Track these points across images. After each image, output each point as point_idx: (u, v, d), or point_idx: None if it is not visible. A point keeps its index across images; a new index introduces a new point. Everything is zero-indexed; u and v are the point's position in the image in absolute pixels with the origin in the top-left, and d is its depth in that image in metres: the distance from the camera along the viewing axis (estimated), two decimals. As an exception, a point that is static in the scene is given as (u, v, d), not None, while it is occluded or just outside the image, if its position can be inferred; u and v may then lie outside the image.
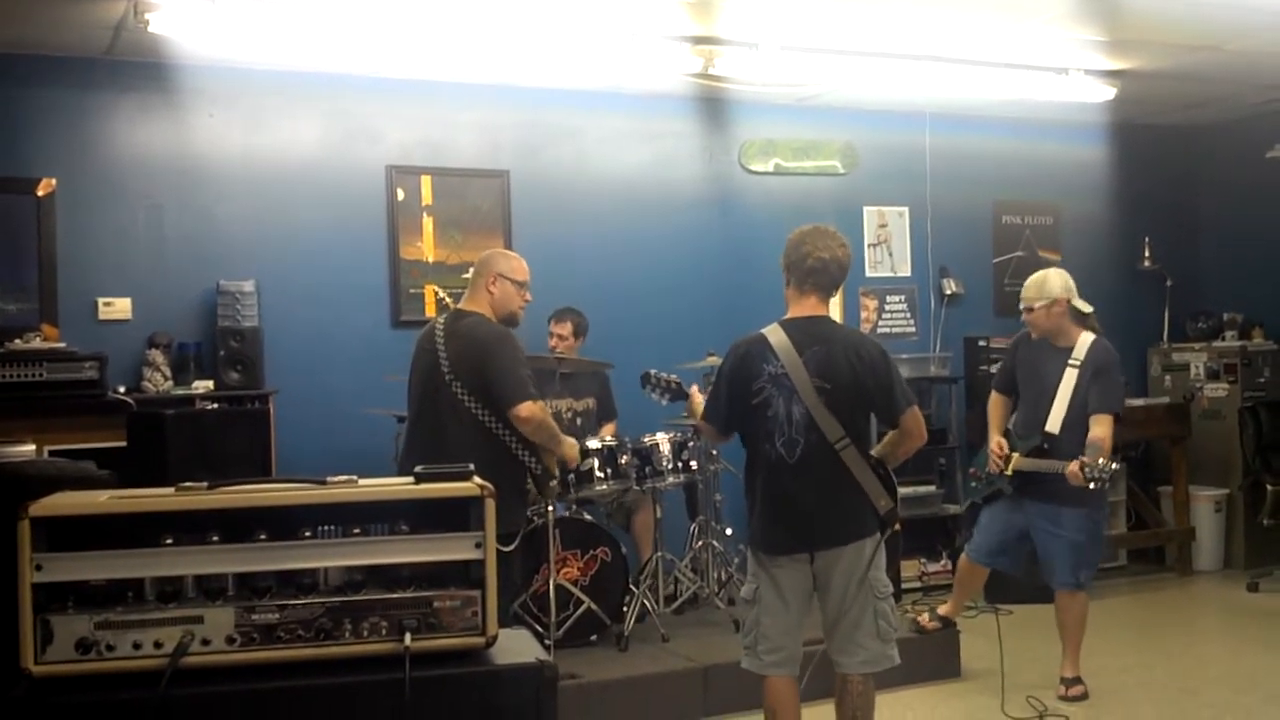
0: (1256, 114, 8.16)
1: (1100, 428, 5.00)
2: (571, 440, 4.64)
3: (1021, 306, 5.38)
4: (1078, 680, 5.27)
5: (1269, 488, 7.41)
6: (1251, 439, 7.60)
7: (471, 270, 4.61)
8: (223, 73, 6.21)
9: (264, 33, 5.56)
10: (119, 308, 6.11)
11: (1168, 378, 8.48)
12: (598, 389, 6.45)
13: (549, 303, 6.53)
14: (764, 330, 3.91)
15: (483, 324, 4.40)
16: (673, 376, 5.40)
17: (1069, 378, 5.15)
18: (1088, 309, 5.26)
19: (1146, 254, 8.54)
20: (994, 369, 7.33)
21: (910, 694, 5.34)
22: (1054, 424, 5.14)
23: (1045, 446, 5.14)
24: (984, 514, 5.48)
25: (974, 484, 5.59)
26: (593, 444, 5.64)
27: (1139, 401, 8.07)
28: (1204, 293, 8.69)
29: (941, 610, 5.76)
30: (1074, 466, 4.89)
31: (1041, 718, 4.99)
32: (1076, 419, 5.09)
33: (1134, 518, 8.04)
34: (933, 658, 5.59)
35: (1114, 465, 4.90)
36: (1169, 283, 8.56)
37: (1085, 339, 5.20)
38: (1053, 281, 5.24)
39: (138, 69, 6.12)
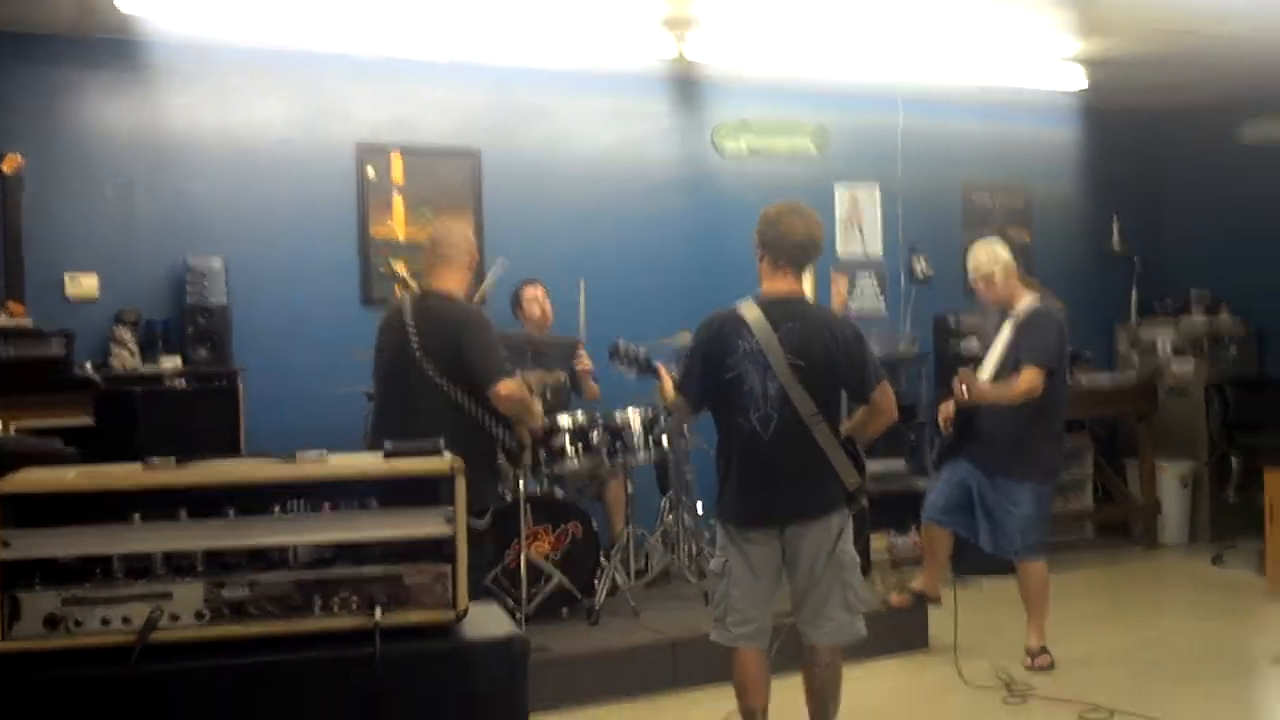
0: (1222, 99, 8.20)
1: (1020, 375, 5.13)
2: (539, 409, 4.61)
3: None
4: (1043, 650, 5.34)
5: (1235, 462, 7.50)
6: (1218, 415, 7.68)
7: (433, 246, 4.52)
8: (192, 50, 6.15)
9: (234, 10, 5.52)
10: (86, 284, 6.05)
11: (1135, 355, 8.55)
12: (567, 364, 6.44)
13: (520, 282, 6.51)
14: (739, 306, 3.91)
15: (455, 303, 4.38)
16: (642, 349, 5.39)
17: (1005, 330, 5.35)
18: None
19: (1115, 234, 8.60)
20: (962, 347, 7.48)
21: (877, 665, 5.37)
22: (985, 372, 5.33)
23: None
24: (941, 473, 5.59)
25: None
26: (564, 421, 5.65)
27: (1106, 378, 8.14)
28: (1172, 272, 8.76)
29: (915, 585, 5.79)
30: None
31: (1007, 687, 5.04)
32: (1007, 371, 5.23)
33: (1101, 492, 8.13)
34: (900, 629, 5.64)
35: (978, 376, 5.19)
36: (1136, 259, 8.62)
37: (1028, 299, 5.35)
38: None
39: (107, 46, 6.05)
